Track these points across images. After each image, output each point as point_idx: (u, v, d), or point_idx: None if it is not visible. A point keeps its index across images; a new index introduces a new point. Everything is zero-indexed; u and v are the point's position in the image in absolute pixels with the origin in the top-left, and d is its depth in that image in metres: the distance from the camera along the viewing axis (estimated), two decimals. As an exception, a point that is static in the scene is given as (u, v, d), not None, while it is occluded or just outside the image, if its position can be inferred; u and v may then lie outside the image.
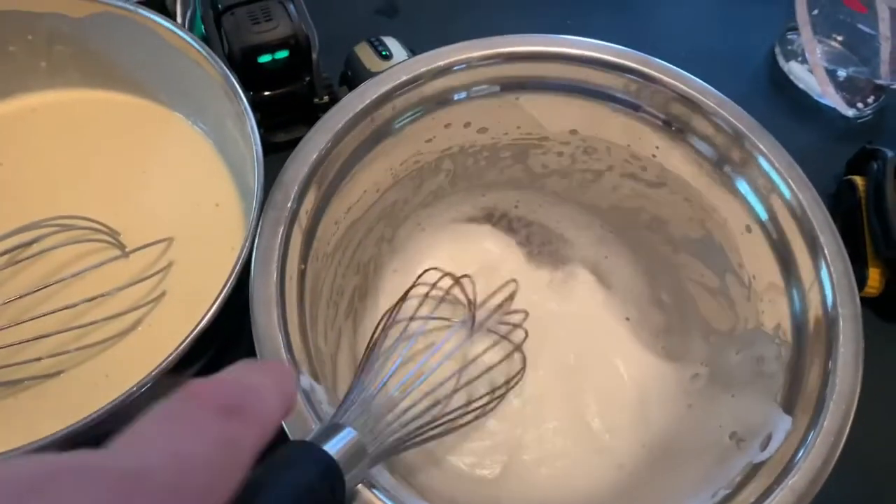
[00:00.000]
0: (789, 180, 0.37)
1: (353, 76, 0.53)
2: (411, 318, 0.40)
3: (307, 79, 0.51)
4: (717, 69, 0.43)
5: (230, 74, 0.42)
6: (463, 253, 0.47)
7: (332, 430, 0.25)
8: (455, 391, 0.39)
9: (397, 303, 0.40)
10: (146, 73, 0.48)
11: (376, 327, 0.38)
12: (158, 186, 0.46)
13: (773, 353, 0.36)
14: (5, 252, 0.40)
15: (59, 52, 0.47)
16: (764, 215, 0.38)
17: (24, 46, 0.47)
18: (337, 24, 0.56)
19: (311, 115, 0.51)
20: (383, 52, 0.53)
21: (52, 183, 0.46)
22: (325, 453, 0.23)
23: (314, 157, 0.36)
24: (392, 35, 0.54)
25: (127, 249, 0.43)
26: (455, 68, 0.40)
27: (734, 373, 0.38)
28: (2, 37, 0.46)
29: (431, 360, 0.38)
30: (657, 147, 0.41)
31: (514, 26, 0.42)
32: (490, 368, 0.41)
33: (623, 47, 0.41)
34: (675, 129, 0.41)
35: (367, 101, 0.38)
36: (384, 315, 0.39)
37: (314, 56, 0.50)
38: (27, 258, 0.41)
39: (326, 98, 0.52)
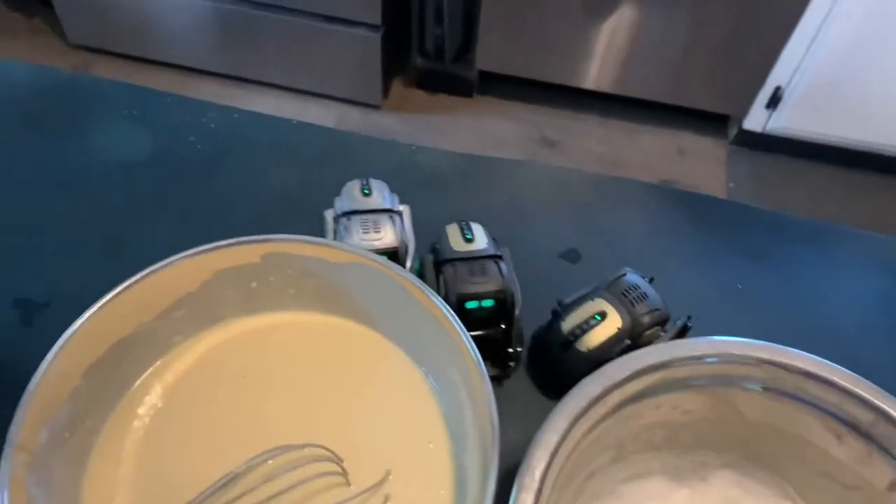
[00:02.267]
0: None
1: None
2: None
3: (505, 327, 0.57)
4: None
5: (465, 334, 0.48)
6: None
7: None
8: None
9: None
10: (380, 311, 0.54)
11: None
12: (377, 416, 0.52)
13: None
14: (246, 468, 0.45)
15: (308, 284, 0.55)
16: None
17: (281, 277, 0.54)
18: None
19: (503, 360, 0.57)
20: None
21: (287, 398, 0.52)
22: None
23: (554, 442, 0.40)
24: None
25: (349, 476, 0.48)
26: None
27: None
28: (267, 269, 0.54)
29: None
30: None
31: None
32: None
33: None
34: None
35: (608, 384, 0.43)
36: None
37: (516, 311, 0.56)
38: (262, 479, 0.46)
39: (519, 349, 0.57)
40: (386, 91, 1.95)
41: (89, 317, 0.48)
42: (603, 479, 0.49)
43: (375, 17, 1.74)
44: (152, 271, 0.50)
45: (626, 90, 1.87)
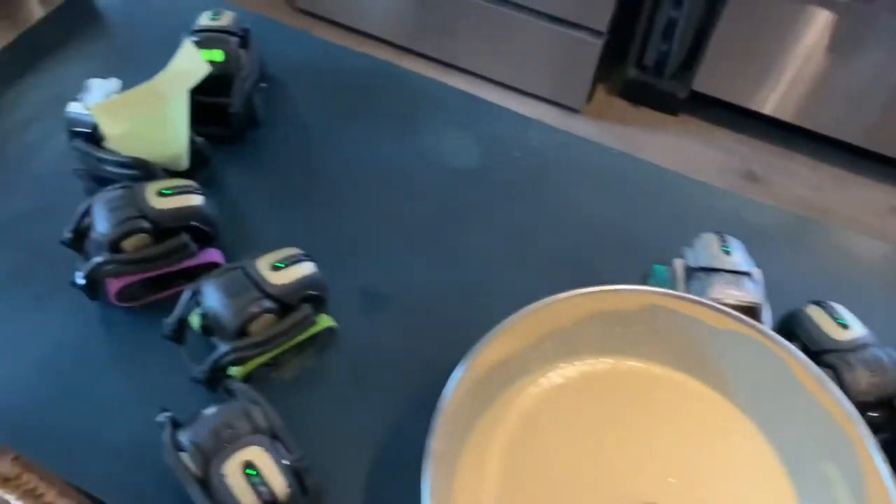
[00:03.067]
0: None
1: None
2: None
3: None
4: None
5: (866, 430, 0.47)
6: None
7: None
8: None
9: None
10: (741, 381, 0.54)
11: None
12: (716, 488, 0.51)
13: None
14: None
15: (670, 338, 0.55)
16: None
17: (647, 327, 0.55)
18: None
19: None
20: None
21: (629, 445, 0.53)
22: None
23: None
24: None
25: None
26: None
27: None
28: (640, 318, 0.54)
29: None
30: None
31: None
32: None
33: None
34: None
35: None
36: None
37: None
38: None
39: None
40: (589, 97, 1.93)
41: (489, 340, 0.50)
42: None
43: (602, 24, 1.71)
44: (548, 304, 0.51)
45: (846, 135, 1.77)
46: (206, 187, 0.62)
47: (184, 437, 0.49)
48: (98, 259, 0.58)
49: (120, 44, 0.83)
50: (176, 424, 0.51)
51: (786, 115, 1.78)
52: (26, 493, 0.83)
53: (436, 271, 0.65)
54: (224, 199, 0.67)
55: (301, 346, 0.59)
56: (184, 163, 0.65)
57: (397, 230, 0.68)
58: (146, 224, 0.58)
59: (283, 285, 0.56)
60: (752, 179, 1.84)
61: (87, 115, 0.63)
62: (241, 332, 0.55)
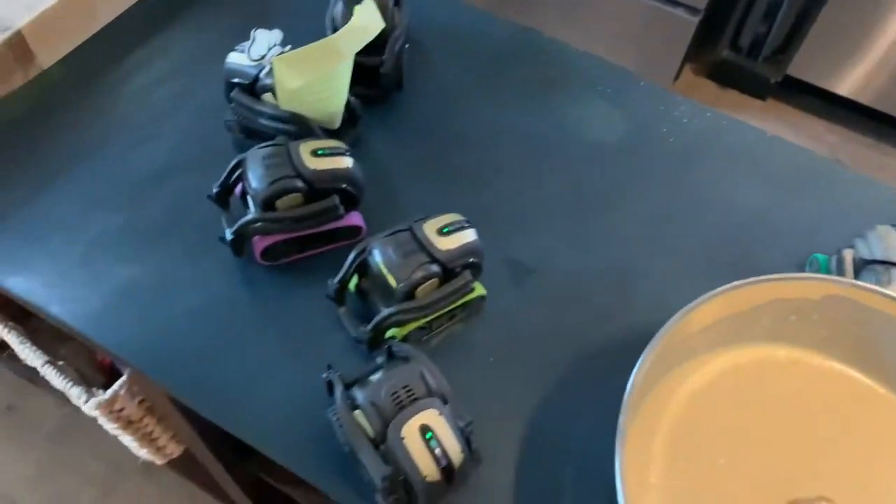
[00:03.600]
0: None
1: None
2: None
3: None
4: None
5: None
6: None
7: None
8: None
9: None
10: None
11: None
12: (892, 488, 0.50)
13: None
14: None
15: (847, 331, 0.53)
16: None
17: (824, 317, 0.53)
18: None
19: None
20: None
21: (792, 437, 0.52)
22: None
23: None
24: None
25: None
26: None
27: None
28: (818, 307, 0.53)
29: None
30: None
31: None
32: None
33: None
34: None
35: None
36: None
37: None
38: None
39: None
40: (675, 76, 1.88)
41: (674, 322, 0.49)
42: None
43: (700, 2, 1.66)
44: (738, 286, 0.50)
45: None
46: (352, 148, 0.62)
47: (360, 395, 0.49)
48: (249, 216, 0.58)
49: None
50: (346, 384, 0.51)
51: (885, 106, 1.72)
52: (144, 437, 0.85)
53: (579, 249, 0.64)
54: (367, 162, 0.66)
55: (453, 313, 0.59)
56: (338, 122, 0.65)
57: (540, 204, 0.67)
58: (300, 184, 0.58)
59: (449, 251, 0.55)
60: (841, 171, 1.78)
61: (248, 65, 0.62)
62: (409, 296, 0.54)
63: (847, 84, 1.73)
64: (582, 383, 0.57)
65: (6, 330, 0.84)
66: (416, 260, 0.54)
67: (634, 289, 0.62)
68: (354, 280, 0.58)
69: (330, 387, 0.51)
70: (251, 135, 0.65)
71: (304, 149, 0.59)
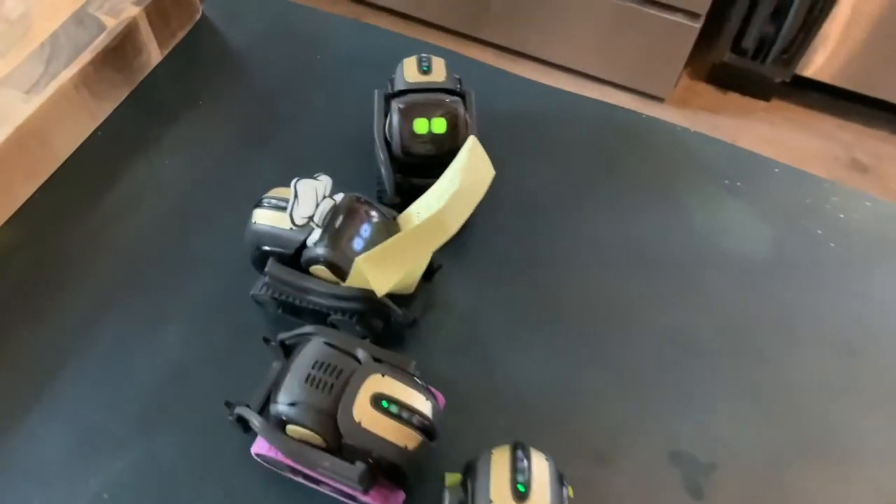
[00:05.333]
0: None
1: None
2: None
3: None
4: None
5: None
6: None
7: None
8: None
9: None
10: None
11: None
12: None
13: None
14: None
15: None
16: None
17: None
18: None
19: None
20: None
21: None
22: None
23: None
24: None
25: None
26: None
27: None
28: None
29: None
30: None
31: None
32: None
33: None
34: None
35: None
36: None
37: None
38: None
39: None
40: (675, 83, 1.74)
41: None
42: None
43: (702, 6, 1.52)
44: None
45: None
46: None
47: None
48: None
49: (262, 87, 0.64)
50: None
51: (901, 100, 1.61)
52: None
53: (757, 422, 0.48)
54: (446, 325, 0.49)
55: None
56: (414, 286, 0.47)
57: (680, 351, 0.50)
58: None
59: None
60: (860, 170, 1.67)
61: (287, 231, 0.44)
62: None
63: (859, 79, 1.61)
64: None
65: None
66: None
67: (846, 472, 0.46)
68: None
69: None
70: (297, 313, 0.47)
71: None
